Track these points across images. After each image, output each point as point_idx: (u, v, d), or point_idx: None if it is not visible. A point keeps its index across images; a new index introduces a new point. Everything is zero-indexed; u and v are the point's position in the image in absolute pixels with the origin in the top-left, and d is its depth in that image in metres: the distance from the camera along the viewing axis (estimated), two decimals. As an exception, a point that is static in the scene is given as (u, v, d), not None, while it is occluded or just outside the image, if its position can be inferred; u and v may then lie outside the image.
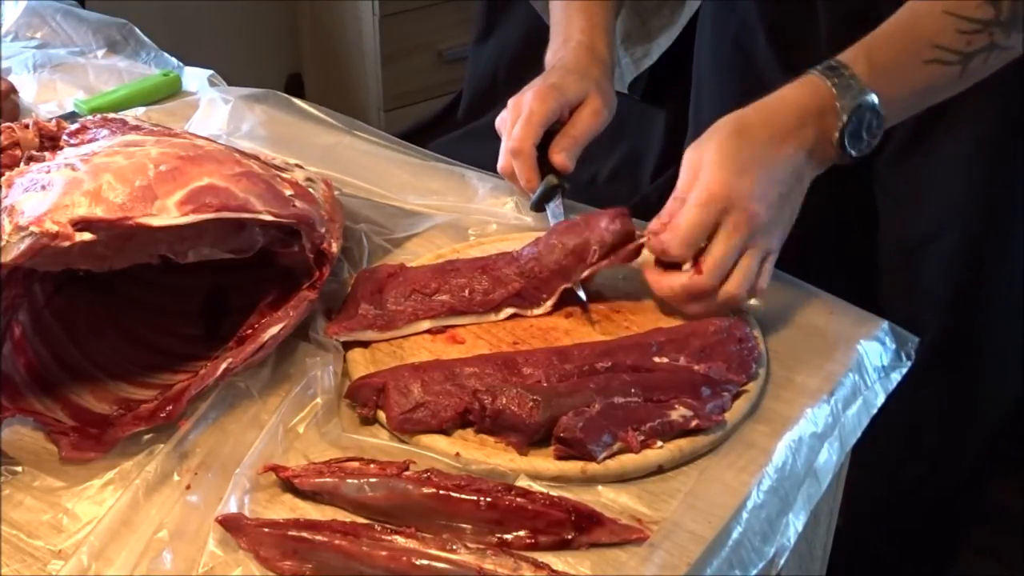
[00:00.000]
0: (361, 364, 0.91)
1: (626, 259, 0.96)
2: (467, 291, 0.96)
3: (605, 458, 0.80)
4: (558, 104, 1.06)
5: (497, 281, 0.96)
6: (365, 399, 0.86)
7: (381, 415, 0.85)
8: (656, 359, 0.88)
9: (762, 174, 0.90)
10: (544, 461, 0.81)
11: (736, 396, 0.86)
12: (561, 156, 1.06)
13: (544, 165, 1.07)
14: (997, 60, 0.95)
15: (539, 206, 1.07)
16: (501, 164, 1.08)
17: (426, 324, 0.94)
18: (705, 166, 0.91)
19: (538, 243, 0.98)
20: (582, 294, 0.96)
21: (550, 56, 1.16)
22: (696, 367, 0.87)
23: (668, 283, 0.93)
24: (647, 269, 0.95)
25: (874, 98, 0.92)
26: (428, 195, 1.14)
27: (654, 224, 0.93)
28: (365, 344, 0.93)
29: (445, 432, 0.84)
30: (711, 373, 0.86)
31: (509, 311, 0.96)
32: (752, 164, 0.90)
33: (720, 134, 0.92)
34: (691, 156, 0.93)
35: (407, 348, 0.93)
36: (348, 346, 0.92)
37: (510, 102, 1.09)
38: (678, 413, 0.82)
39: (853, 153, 0.94)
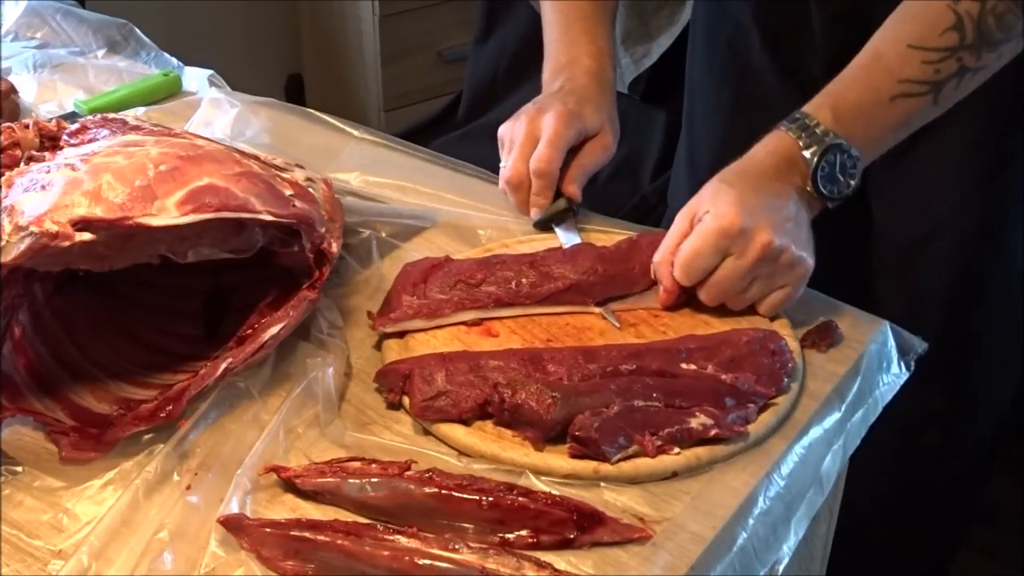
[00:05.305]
0: (395, 351, 0.91)
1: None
2: (514, 283, 0.96)
3: (619, 460, 0.80)
4: (577, 132, 1.08)
5: (545, 276, 0.96)
6: (392, 384, 0.87)
7: (407, 401, 0.86)
8: (683, 365, 0.87)
9: (771, 214, 0.91)
10: (558, 458, 0.81)
11: (764, 408, 0.85)
12: (573, 187, 1.09)
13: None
14: (971, 82, 0.95)
15: (545, 226, 1.09)
16: (510, 175, 1.07)
17: (471, 314, 0.94)
18: (719, 206, 0.90)
19: (593, 249, 0.99)
20: (615, 321, 0.95)
21: (551, 75, 1.15)
22: (724, 376, 0.86)
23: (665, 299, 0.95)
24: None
25: (839, 140, 0.93)
26: (430, 196, 1.14)
27: (662, 254, 0.94)
28: (400, 333, 0.93)
29: (464, 422, 0.84)
30: (738, 383, 0.85)
31: (557, 308, 0.96)
32: (760, 208, 0.90)
33: (719, 187, 0.92)
34: (691, 206, 0.94)
35: (440, 339, 0.93)
36: (383, 335, 0.93)
37: (524, 117, 1.08)
38: (698, 421, 0.81)
39: (832, 195, 0.94)
